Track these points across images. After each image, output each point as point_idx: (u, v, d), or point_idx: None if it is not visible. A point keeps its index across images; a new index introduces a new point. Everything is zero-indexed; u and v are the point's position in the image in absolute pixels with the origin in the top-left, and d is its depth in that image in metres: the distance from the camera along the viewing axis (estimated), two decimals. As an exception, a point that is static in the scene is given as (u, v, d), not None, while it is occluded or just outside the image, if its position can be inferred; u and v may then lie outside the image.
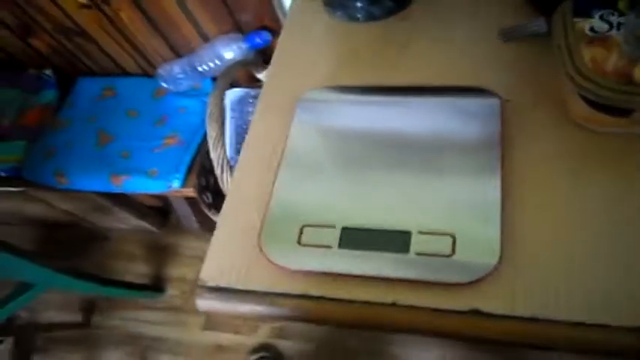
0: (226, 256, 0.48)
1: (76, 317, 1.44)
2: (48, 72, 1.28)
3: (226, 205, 0.51)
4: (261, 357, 1.22)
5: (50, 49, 1.24)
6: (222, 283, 0.46)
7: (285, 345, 1.26)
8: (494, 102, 0.47)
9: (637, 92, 0.40)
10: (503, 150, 0.45)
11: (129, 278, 1.44)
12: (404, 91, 0.52)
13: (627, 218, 0.42)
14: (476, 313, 0.40)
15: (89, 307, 1.45)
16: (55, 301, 1.48)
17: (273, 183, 0.49)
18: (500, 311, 0.40)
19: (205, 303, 0.46)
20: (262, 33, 1.01)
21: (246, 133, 1.00)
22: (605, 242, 0.41)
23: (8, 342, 1.21)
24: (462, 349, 1.15)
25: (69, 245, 1.55)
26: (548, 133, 0.47)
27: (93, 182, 1.09)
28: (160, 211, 1.48)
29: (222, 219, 0.50)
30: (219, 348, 1.31)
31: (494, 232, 0.40)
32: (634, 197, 0.43)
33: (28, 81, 1.28)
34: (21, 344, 1.24)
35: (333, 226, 0.44)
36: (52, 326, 1.45)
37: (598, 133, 0.46)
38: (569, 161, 0.45)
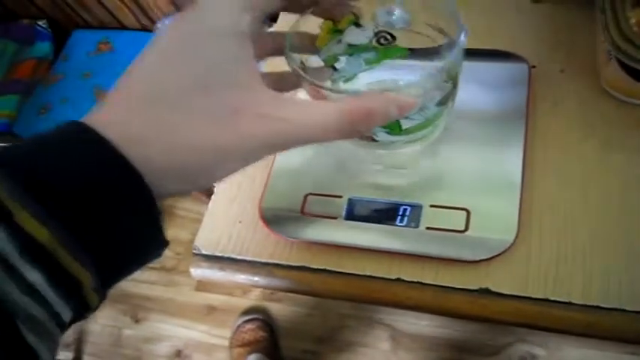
0: (224, 223, 0.45)
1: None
2: (42, 23, 1.22)
3: (225, 169, 0.48)
4: (253, 319, 1.22)
5: (45, -1, 1.18)
6: (218, 252, 0.44)
7: (277, 308, 1.26)
8: (521, 67, 0.44)
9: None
10: (528, 119, 0.42)
11: (123, 239, 1.42)
12: (424, 52, 0.48)
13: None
14: (485, 292, 0.38)
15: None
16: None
17: (276, 147, 0.46)
18: (511, 291, 0.38)
19: (200, 271, 0.44)
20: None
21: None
22: (630, 223, 0.38)
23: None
24: (455, 322, 1.15)
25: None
26: (576, 103, 0.44)
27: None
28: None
29: (220, 184, 0.48)
30: (211, 309, 1.30)
31: (512, 208, 0.38)
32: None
33: (21, 32, 1.22)
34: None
35: (340, 196, 0.41)
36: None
37: (630, 105, 0.43)
38: (597, 135, 0.42)
